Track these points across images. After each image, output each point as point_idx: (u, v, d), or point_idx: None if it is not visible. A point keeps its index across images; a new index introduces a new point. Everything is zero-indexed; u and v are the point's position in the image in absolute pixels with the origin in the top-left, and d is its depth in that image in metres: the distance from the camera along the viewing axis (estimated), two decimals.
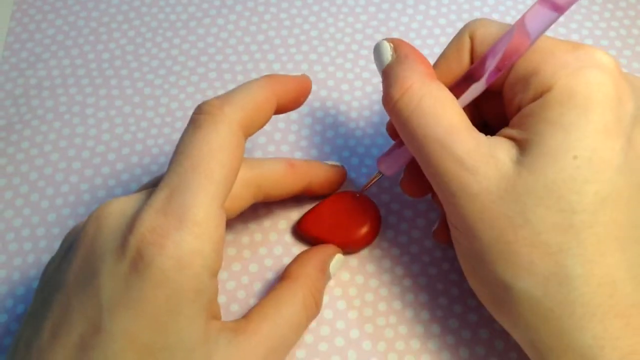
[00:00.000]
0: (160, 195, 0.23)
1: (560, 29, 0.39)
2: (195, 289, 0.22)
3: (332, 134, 0.35)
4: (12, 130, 0.35)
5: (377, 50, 0.27)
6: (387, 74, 0.26)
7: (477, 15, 0.39)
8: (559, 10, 0.24)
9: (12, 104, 0.36)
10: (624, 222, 0.23)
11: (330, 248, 0.30)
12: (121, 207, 0.23)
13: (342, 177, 0.32)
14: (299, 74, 0.29)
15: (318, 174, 0.30)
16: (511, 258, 0.23)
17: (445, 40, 0.38)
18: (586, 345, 0.22)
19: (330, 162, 0.32)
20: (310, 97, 0.36)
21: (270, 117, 0.27)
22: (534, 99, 0.24)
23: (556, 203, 0.22)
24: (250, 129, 0.26)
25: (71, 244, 0.24)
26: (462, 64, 0.27)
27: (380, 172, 0.30)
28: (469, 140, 0.24)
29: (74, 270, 0.23)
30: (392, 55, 0.27)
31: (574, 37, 0.38)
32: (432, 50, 0.38)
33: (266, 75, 0.27)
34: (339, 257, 0.30)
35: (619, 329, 0.22)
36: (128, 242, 0.22)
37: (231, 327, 0.25)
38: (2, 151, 0.35)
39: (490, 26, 0.26)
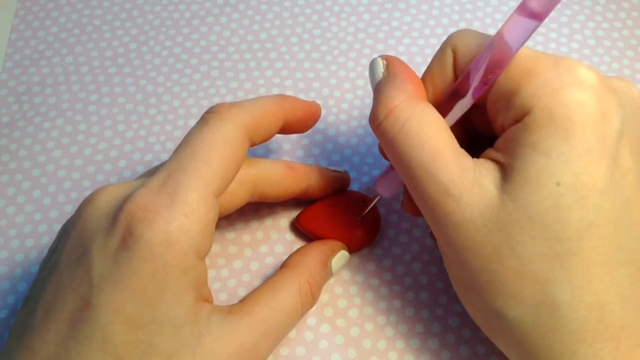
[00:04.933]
0: (157, 177, 0.24)
1: (563, 29, 0.39)
2: (181, 266, 0.23)
3: (333, 132, 0.35)
4: (15, 127, 0.36)
5: (371, 67, 0.27)
6: (377, 92, 0.26)
7: (479, 15, 0.39)
8: (538, 18, 0.23)
9: (15, 101, 0.37)
10: (610, 245, 0.22)
11: (334, 243, 0.30)
12: (115, 190, 0.24)
13: (344, 183, 0.32)
14: (311, 100, 0.30)
15: (317, 179, 0.30)
16: (499, 287, 0.23)
17: None
18: None
19: (332, 168, 0.32)
20: (312, 95, 0.36)
21: (276, 131, 0.28)
22: (516, 121, 0.23)
23: (541, 233, 0.22)
24: (254, 136, 0.26)
25: (65, 228, 0.25)
26: (446, 79, 0.26)
27: (378, 194, 0.30)
28: (453, 166, 0.23)
29: (67, 251, 0.23)
30: (383, 73, 0.26)
31: (577, 38, 0.38)
32: (433, 50, 0.38)
33: (278, 94, 0.28)
34: (342, 253, 0.30)
35: (609, 353, 0.22)
36: (118, 219, 0.23)
37: (224, 309, 0.25)
38: (4, 148, 0.35)
39: (471, 38, 0.25)
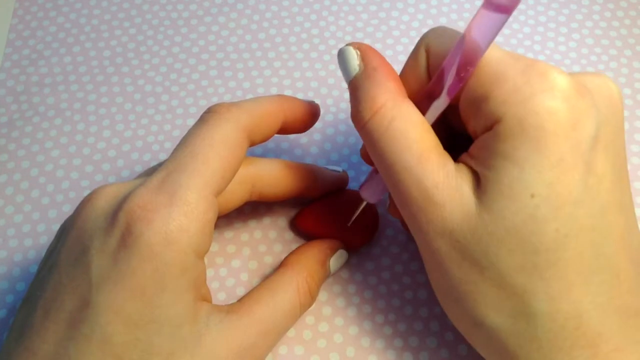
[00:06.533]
0: (156, 177, 0.24)
1: (561, 29, 0.39)
2: (180, 266, 0.23)
3: (332, 131, 0.35)
4: (13, 127, 0.36)
5: (342, 57, 0.26)
6: (355, 88, 0.25)
7: None
8: (505, 11, 0.21)
9: (13, 101, 0.37)
10: (587, 253, 0.22)
11: (332, 242, 0.30)
12: (113, 190, 0.24)
13: (343, 183, 0.32)
14: (310, 100, 0.30)
15: (316, 178, 0.30)
16: (478, 298, 0.23)
17: None
18: None
19: (331, 167, 0.31)
20: (311, 95, 0.36)
21: (275, 131, 0.28)
22: (487, 128, 0.22)
23: (518, 246, 0.22)
24: (254, 135, 0.26)
25: (64, 227, 0.25)
26: (420, 79, 0.25)
27: (363, 200, 0.29)
28: (438, 170, 0.23)
29: (65, 250, 0.23)
30: (359, 66, 0.25)
31: (575, 37, 0.38)
32: None
33: (277, 94, 0.28)
34: (341, 252, 0.30)
35: (587, 359, 0.22)
36: (118, 218, 0.23)
37: (223, 308, 0.25)
38: (3, 147, 0.35)
39: (444, 36, 0.25)
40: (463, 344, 0.29)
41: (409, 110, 0.24)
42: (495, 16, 0.22)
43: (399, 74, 0.26)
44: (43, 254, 0.32)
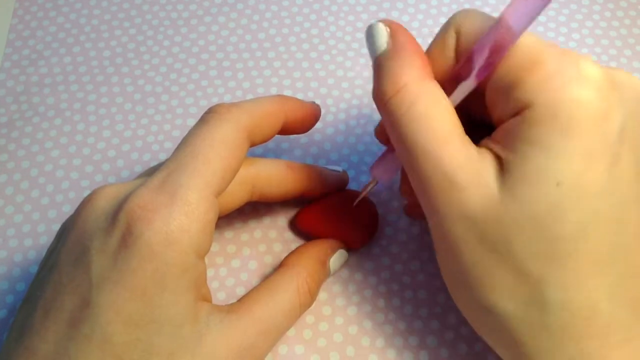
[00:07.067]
0: (157, 177, 0.24)
1: (561, 29, 0.39)
2: (181, 266, 0.23)
3: (332, 131, 0.35)
4: (13, 127, 0.36)
5: (371, 33, 0.25)
6: (381, 65, 0.24)
7: None
8: None
9: (13, 101, 0.37)
10: (605, 245, 0.22)
11: (332, 242, 0.30)
12: (114, 190, 0.24)
13: (343, 183, 0.32)
14: (311, 101, 0.30)
15: (316, 178, 0.30)
16: (492, 283, 0.23)
17: None
18: None
19: (332, 167, 0.31)
20: (310, 95, 0.36)
21: (275, 132, 0.28)
22: (515, 114, 0.22)
23: (538, 233, 0.22)
24: (254, 136, 0.26)
25: (64, 227, 0.25)
26: (447, 60, 0.25)
27: (375, 179, 0.29)
28: (460, 153, 0.23)
29: (66, 250, 0.23)
30: (387, 43, 0.24)
31: (575, 37, 0.38)
32: None
33: (278, 94, 0.28)
34: (341, 252, 0.30)
35: (596, 349, 0.22)
36: (118, 218, 0.23)
37: (223, 308, 0.25)
38: (3, 148, 0.35)
39: (476, 19, 0.24)
40: (463, 343, 0.29)
41: (434, 91, 0.23)
42: (535, 2, 0.22)
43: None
44: (43, 254, 0.32)
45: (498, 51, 0.23)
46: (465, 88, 0.24)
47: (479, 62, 0.23)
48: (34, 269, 0.31)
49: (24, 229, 0.32)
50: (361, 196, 0.30)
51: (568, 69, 0.22)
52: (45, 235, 0.32)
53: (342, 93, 0.37)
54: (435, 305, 0.30)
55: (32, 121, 0.36)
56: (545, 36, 0.38)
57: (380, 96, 0.24)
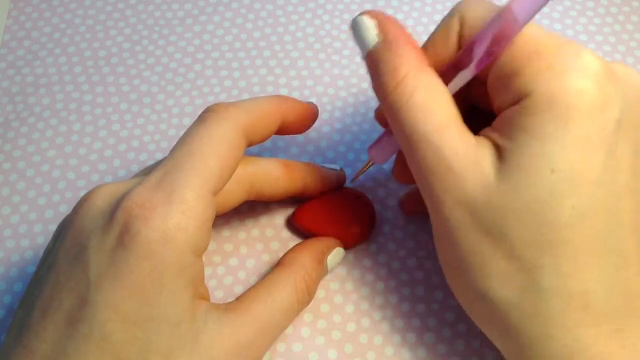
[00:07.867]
0: (154, 175, 0.24)
1: (555, 25, 0.39)
2: (178, 264, 0.23)
3: (328, 129, 0.35)
4: (9, 128, 0.35)
5: (357, 28, 0.25)
6: (376, 60, 0.24)
7: None
8: None
9: (9, 102, 0.37)
10: (601, 233, 0.22)
11: (329, 240, 0.30)
12: (111, 189, 0.24)
13: (340, 181, 0.32)
14: (308, 101, 0.30)
15: (313, 177, 0.30)
16: (486, 269, 0.23)
17: None
18: (557, 354, 0.22)
19: (329, 166, 0.31)
20: (306, 93, 0.36)
21: (273, 131, 0.28)
22: (514, 102, 0.23)
23: (533, 219, 0.22)
24: (252, 135, 0.26)
25: (62, 227, 0.25)
26: (449, 49, 0.25)
27: (371, 160, 0.29)
28: (458, 141, 0.23)
29: (63, 249, 0.23)
30: (377, 36, 0.24)
31: (569, 33, 0.38)
32: None
33: (275, 94, 0.28)
34: (338, 250, 0.30)
35: (589, 338, 0.22)
36: (115, 216, 0.23)
37: (220, 307, 0.25)
38: None
39: (481, 8, 0.24)
40: (460, 339, 0.29)
41: (431, 80, 0.24)
42: None
43: (425, 41, 0.26)
44: (40, 254, 0.32)
45: (501, 41, 0.23)
46: (464, 77, 0.24)
47: (480, 51, 0.23)
48: (32, 269, 0.31)
49: (21, 230, 0.32)
50: (358, 175, 0.30)
51: (568, 60, 0.22)
52: (42, 235, 0.32)
53: (338, 91, 0.37)
54: (433, 302, 0.30)
55: (28, 122, 0.36)
56: None
57: (380, 91, 0.24)
